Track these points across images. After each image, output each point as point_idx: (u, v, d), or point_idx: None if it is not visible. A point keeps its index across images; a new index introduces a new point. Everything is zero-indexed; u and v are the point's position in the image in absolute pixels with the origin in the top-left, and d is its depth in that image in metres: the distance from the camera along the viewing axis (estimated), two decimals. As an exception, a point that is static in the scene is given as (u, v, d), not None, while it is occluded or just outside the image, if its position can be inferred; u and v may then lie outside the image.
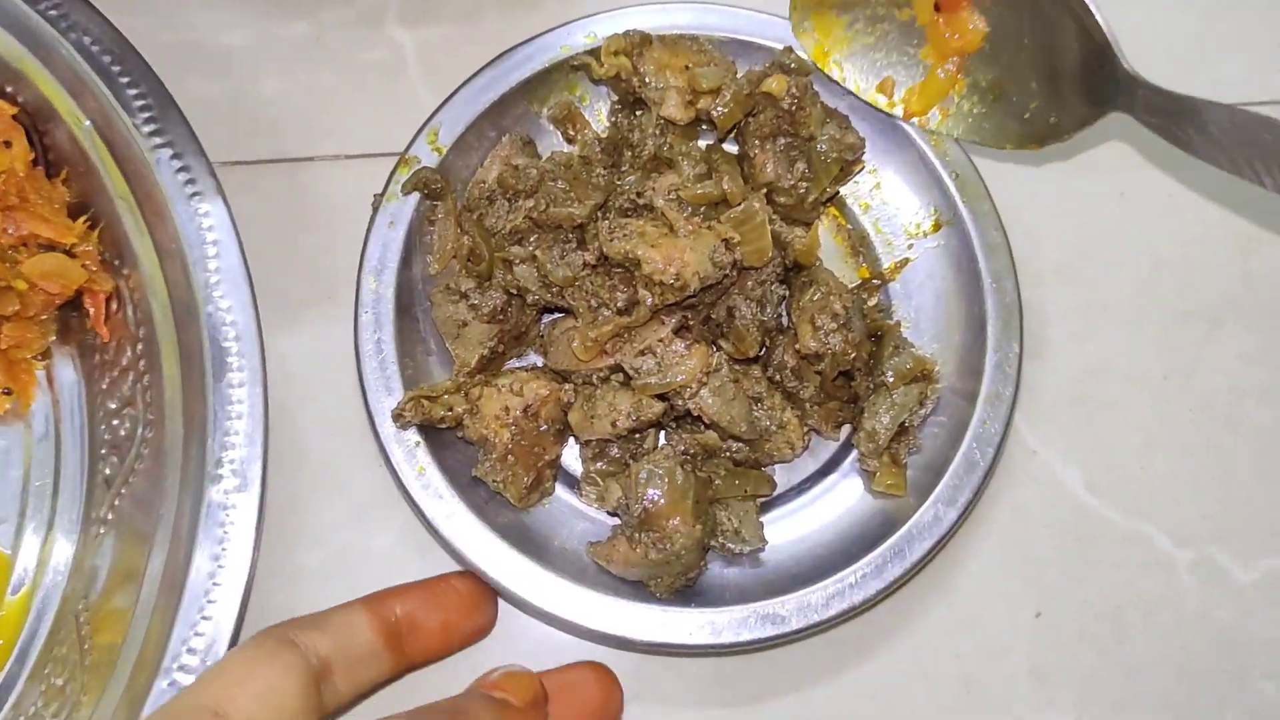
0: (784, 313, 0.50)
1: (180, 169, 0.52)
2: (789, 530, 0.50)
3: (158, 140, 0.52)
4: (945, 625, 0.54)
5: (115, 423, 0.54)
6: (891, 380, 0.49)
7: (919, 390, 0.49)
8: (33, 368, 0.55)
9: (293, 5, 0.62)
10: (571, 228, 0.47)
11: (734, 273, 0.47)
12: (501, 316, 0.48)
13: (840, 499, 0.51)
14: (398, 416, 0.47)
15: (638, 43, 0.50)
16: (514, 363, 0.51)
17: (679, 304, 0.46)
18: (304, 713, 0.39)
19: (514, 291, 0.48)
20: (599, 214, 0.47)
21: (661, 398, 0.46)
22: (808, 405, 0.49)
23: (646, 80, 0.50)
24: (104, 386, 0.54)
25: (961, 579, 0.54)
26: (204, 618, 0.46)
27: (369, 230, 0.50)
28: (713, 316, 0.48)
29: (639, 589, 0.47)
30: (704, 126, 0.52)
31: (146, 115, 0.52)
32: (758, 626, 0.45)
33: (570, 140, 0.54)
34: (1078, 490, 0.57)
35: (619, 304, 0.45)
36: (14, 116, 0.54)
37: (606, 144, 0.51)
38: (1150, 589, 0.55)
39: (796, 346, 0.47)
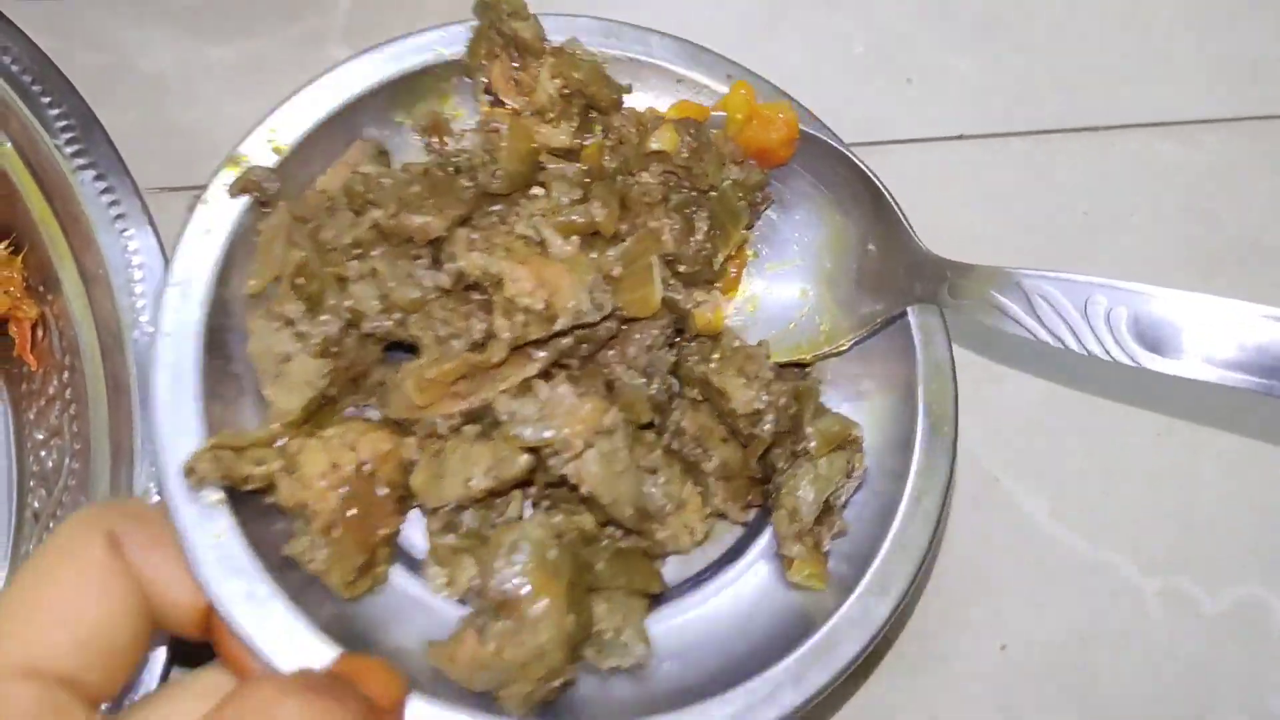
0: (675, 380, 0.42)
1: (104, 191, 0.50)
2: (681, 633, 0.40)
3: (81, 162, 0.50)
4: (906, 660, 0.52)
5: (43, 454, 0.52)
6: (815, 447, 0.40)
7: (844, 459, 0.40)
8: (-43, 400, 0.53)
9: (231, 25, 0.61)
10: (425, 242, 0.38)
11: (614, 324, 0.38)
12: (335, 350, 0.37)
13: (744, 594, 0.41)
14: (189, 471, 0.35)
15: (487, 51, 0.42)
16: (351, 412, 0.40)
17: (544, 343, 0.37)
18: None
19: (349, 318, 0.38)
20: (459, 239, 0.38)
21: (532, 453, 0.36)
22: (711, 481, 0.40)
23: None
24: (31, 417, 0.52)
25: (922, 612, 0.52)
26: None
27: (178, 239, 0.39)
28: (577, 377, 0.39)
29: (489, 702, 0.35)
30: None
31: (69, 136, 0.51)
32: None
33: (435, 154, 0.44)
34: (1040, 518, 0.55)
35: (475, 336, 0.36)
36: (-71, 139, 0.52)
37: (466, 160, 0.40)
38: (1117, 619, 0.54)
39: (729, 406, 0.40)
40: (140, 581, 0.33)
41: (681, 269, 0.41)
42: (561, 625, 0.34)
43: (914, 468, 0.40)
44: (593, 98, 0.40)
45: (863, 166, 0.43)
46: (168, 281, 0.38)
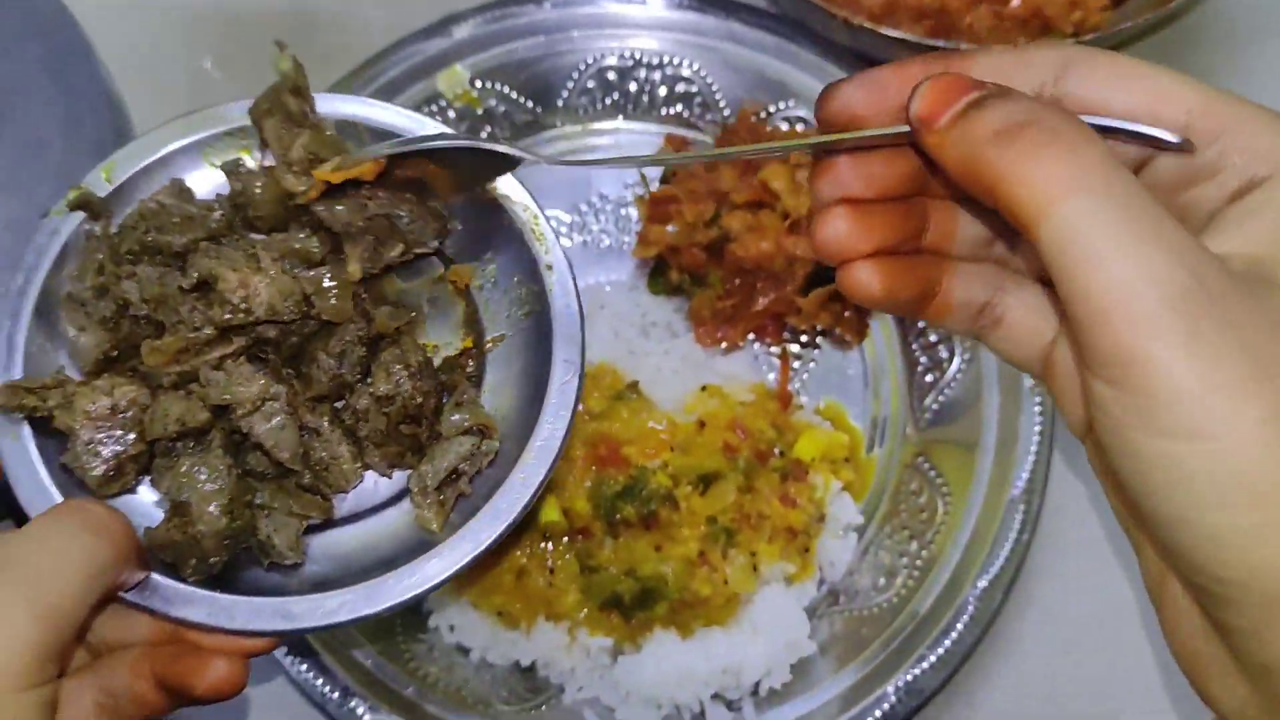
0: (365, 370, 0.55)
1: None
2: (335, 545, 0.55)
3: None
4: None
5: None
6: (450, 429, 0.54)
7: (473, 443, 0.54)
8: None
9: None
10: (171, 254, 0.54)
11: (311, 322, 0.54)
12: (112, 326, 0.54)
13: (387, 528, 0.55)
14: None
15: (267, 110, 0.56)
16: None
17: (247, 330, 0.53)
18: None
19: (122, 303, 0.54)
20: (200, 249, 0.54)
21: (216, 412, 0.52)
22: (365, 444, 0.55)
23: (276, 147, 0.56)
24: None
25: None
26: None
27: (31, 238, 0.55)
28: (296, 360, 0.55)
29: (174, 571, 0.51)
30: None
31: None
32: (271, 619, 0.50)
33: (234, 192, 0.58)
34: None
35: (195, 323, 0.52)
36: None
37: (233, 197, 0.56)
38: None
39: (371, 390, 0.54)
40: None
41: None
42: (215, 526, 0.51)
43: (521, 458, 0.53)
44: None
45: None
46: (20, 266, 0.54)
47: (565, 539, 0.69)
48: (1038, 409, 0.72)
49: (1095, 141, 0.36)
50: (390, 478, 0.56)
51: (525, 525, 0.56)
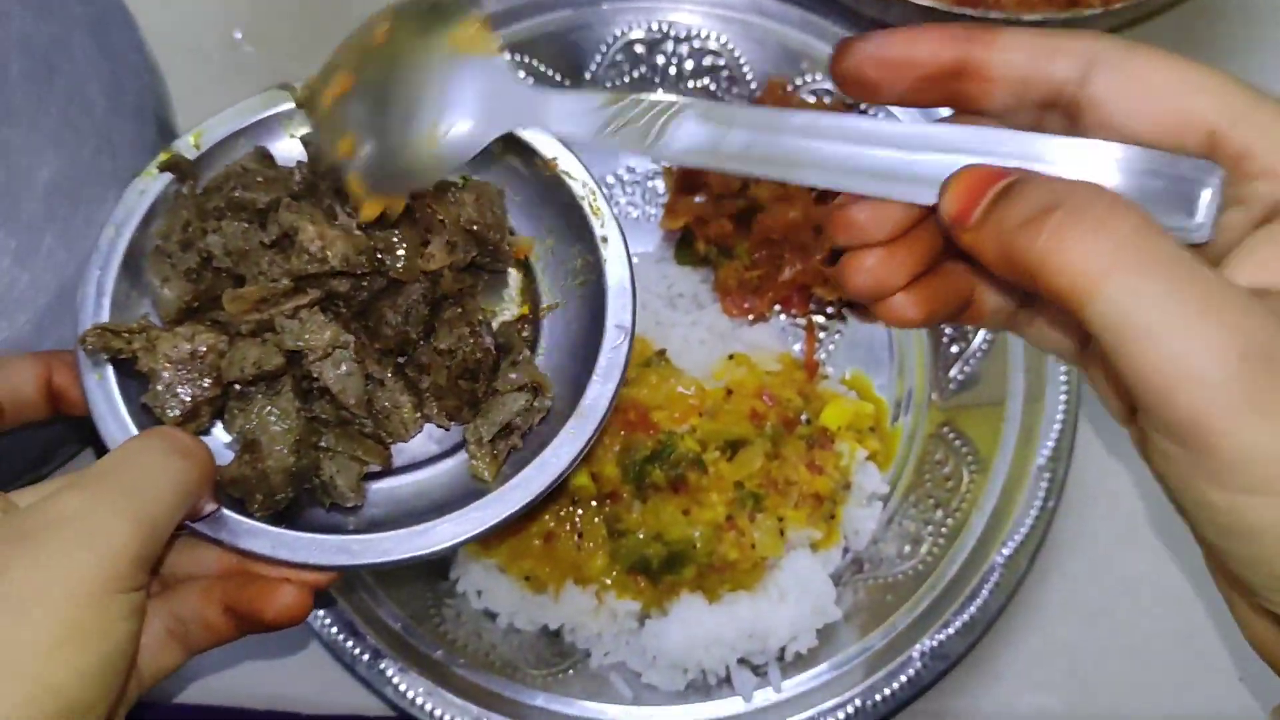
0: (428, 329, 0.59)
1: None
2: (393, 492, 0.58)
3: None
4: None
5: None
6: (505, 386, 0.57)
7: (527, 399, 0.57)
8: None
9: None
10: (254, 211, 0.57)
11: (380, 279, 0.56)
12: (195, 277, 0.57)
13: (444, 475, 0.59)
14: (82, 341, 0.54)
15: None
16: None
17: (321, 282, 0.56)
18: None
19: (205, 256, 0.57)
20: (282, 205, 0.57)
21: (290, 358, 0.55)
22: (426, 396, 0.58)
23: None
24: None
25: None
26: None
27: (122, 195, 0.58)
28: (364, 316, 0.58)
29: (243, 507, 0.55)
30: None
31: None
32: (331, 554, 0.53)
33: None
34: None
35: (274, 275, 0.55)
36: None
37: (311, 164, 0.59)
38: None
39: (434, 345, 0.57)
40: None
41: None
42: (283, 463, 0.54)
43: (579, 406, 0.55)
44: None
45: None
46: (109, 222, 0.57)
47: (594, 503, 0.69)
48: (1063, 378, 0.73)
49: (1125, 213, 0.35)
50: (448, 429, 0.59)
51: (556, 489, 0.56)
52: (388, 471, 0.58)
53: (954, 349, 0.77)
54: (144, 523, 0.45)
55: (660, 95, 0.46)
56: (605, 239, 0.59)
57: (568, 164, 0.59)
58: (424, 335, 0.58)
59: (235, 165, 0.59)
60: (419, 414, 0.59)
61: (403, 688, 0.68)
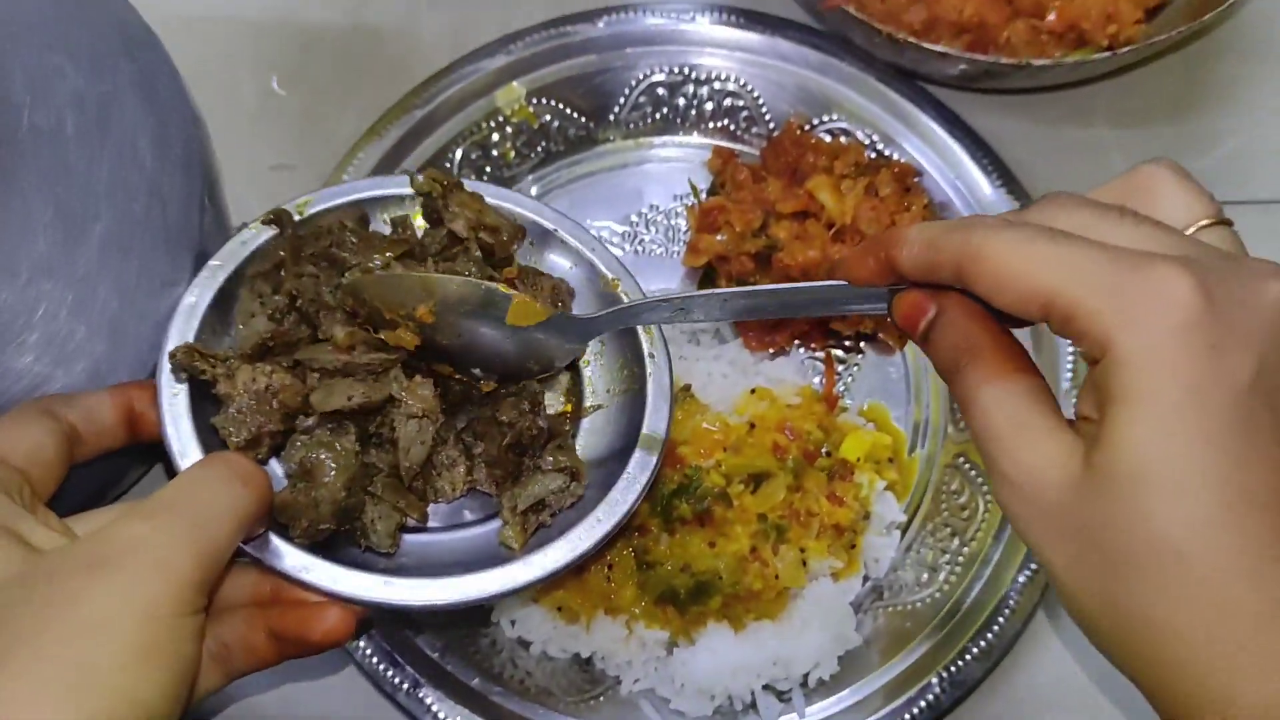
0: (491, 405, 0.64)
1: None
2: (426, 548, 0.62)
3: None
4: None
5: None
6: (546, 466, 0.62)
7: (564, 480, 0.62)
8: None
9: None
10: (344, 268, 0.62)
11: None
12: (279, 318, 0.62)
13: (476, 539, 0.63)
14: (171, 356, 0.59)
15: (449, 184, 0.66)
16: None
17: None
18: (59, 463, 0.54)
19: (293, 295, 0.62)
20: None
21: (385, 402, 0.60)
22: (477, 461, 0.63)
23: (447, 206, 0.65)
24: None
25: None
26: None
27: (231, 237, 0.63)
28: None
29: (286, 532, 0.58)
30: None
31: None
32: (370, 589, 0.56)
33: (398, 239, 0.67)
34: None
35: (334, 324, 0.60)
36: None
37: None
38: None
39: (495, 415, 0.62)
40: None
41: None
42: (334, 495, 0.57)
43: (603, 502, 0.60)
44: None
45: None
46: (209, 263, 0.62)
47: (623, 536, 0.72)
48: (1073, 408, 0.75)
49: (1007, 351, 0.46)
50: (494, 495, 0.63)
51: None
52: (423, 529, 0.62)
53: (969, 381, 0.79)
54: (206, 549, 0.48)
55: (673, 294, 0.59)
56: (652, 355, 0.64)
57: (628, 286, 0.66)
58: (487, 408, 0.63)
59: (335, 220, 0.65)
60: (470, 478, 0.63)
61: (442, 715, 0.70)
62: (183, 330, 0.60)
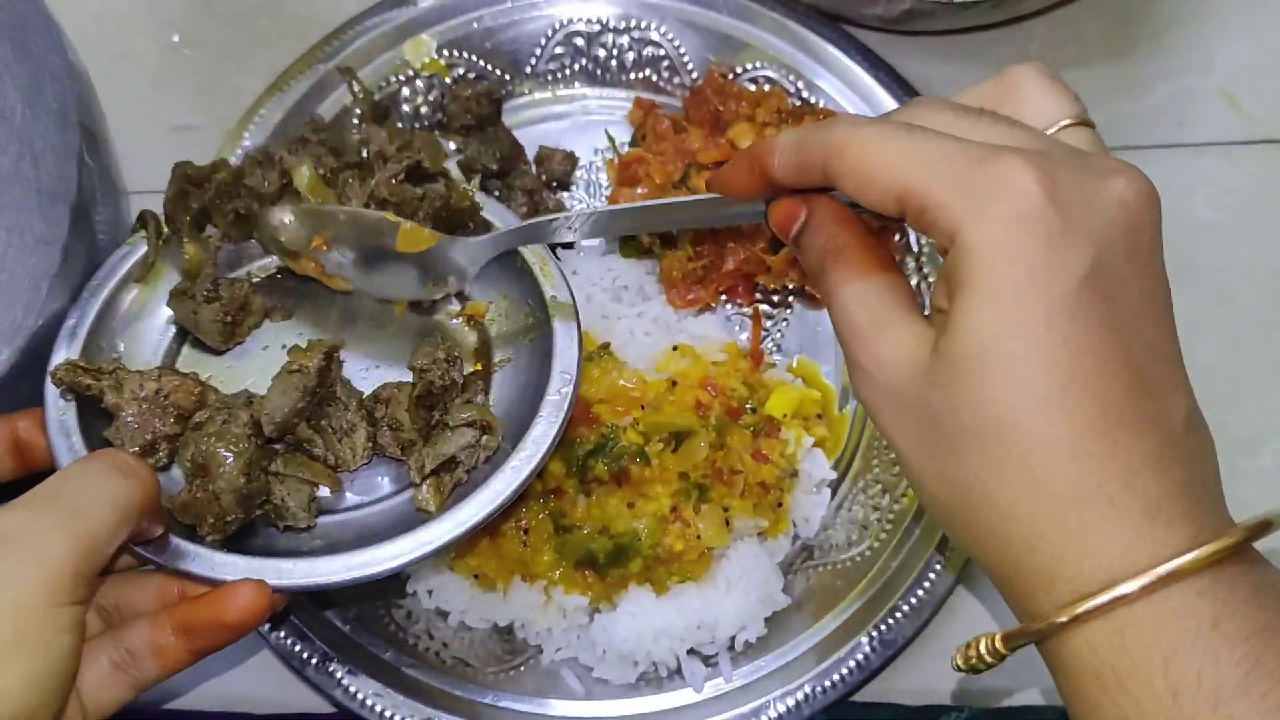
0: None
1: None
2: (343, 524, 0.62)
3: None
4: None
5: None
6: (454, 422, 0.61)
7: (475, 435, 0.61)
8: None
9: None
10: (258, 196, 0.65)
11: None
12: (213, 294, 0.63)
13: (393, 508, 0.62)
14: (53, 374, 0.58)
15: None
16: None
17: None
18: None
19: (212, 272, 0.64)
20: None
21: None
22: (381, 425, 0.62)
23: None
24: None
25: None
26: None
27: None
28: None
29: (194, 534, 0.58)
30: None
31: None
32: (270, 576, 0.56)
33: None
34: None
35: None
36: None
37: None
38: None
39: (409, 364, 0.62)
40: None
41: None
42: (234, 484, 0.56)
43: (524, 440, 0.60)
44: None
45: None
46: (89, 283, 0.64)
47: (539, 499, 0.69)
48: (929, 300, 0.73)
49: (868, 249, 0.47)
50: (401, 457, 0.63)
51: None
52: (340, 508, 0.62)
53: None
54: (83, 539, 0.48)
55: (555, 216, 0.58)
56: (555, 297, 0.64)
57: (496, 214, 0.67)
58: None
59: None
60: (371, 444, 0.62)
61: (352, 689, 0.67)
62: (66, 355, 0.60)
